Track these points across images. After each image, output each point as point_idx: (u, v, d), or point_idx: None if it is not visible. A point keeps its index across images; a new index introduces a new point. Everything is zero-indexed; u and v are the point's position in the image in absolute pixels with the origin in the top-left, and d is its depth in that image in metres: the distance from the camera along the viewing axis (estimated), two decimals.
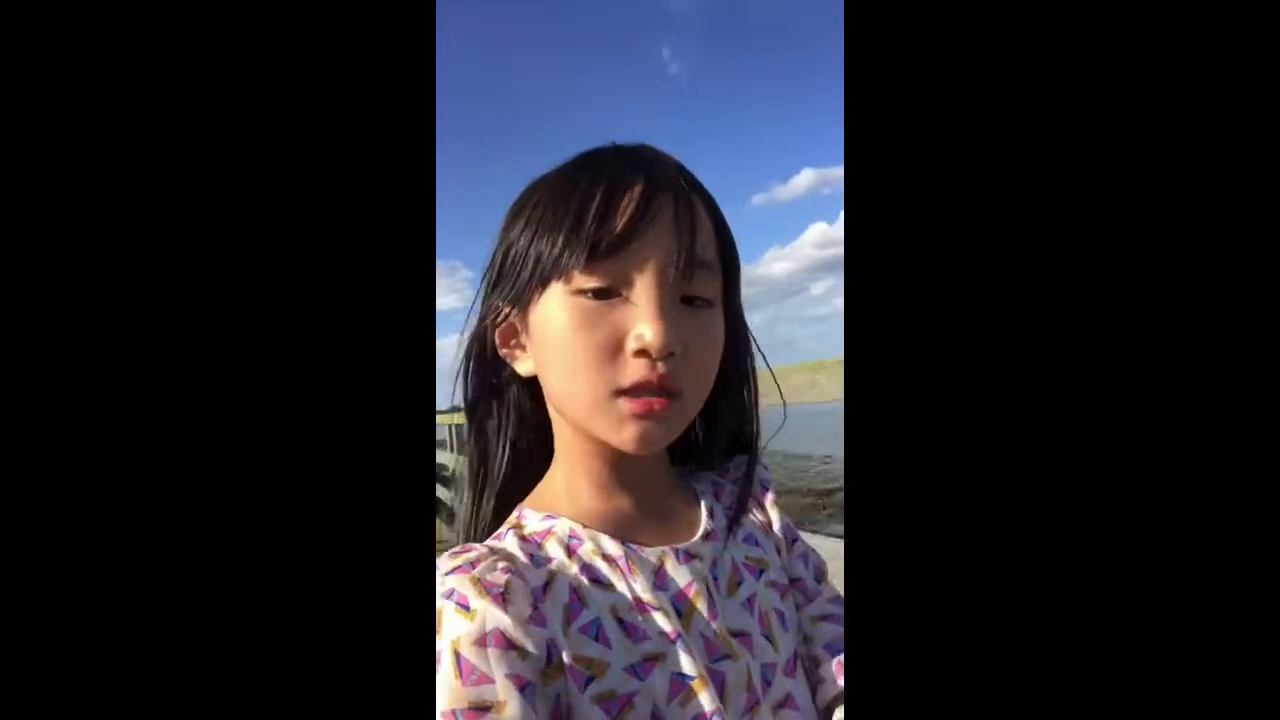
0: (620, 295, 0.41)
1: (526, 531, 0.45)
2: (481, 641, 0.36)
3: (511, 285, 0.45)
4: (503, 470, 0.50)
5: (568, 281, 0.41)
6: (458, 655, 0.35)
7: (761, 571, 0.48)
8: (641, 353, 0.40)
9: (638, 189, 0.42)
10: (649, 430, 0.42)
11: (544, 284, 0.43)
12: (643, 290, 0.41)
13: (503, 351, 0.48)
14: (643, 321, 0.40)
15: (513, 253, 0.45)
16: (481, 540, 0.47)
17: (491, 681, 0.35)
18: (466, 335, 0.50)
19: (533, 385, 0.48)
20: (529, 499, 0.48)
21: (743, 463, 0.54)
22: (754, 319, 0.53)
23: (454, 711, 0.34)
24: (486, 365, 0.50)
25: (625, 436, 0.42)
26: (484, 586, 0.37)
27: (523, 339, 0.47)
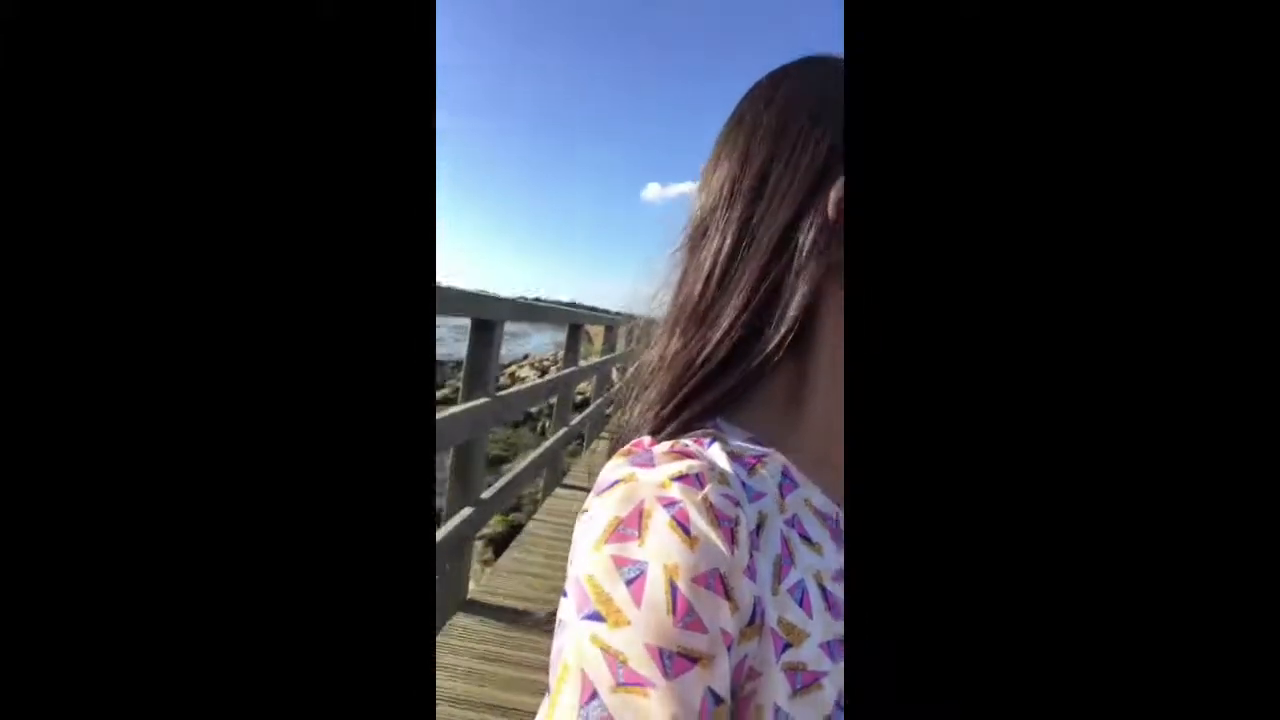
0: None
1: (734, 448, 0.37)
2: (702, 580, 0.30)
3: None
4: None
5: None
6: (674, 586, 0.30)
7: None
8: None
9: None
10: None
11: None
12: None
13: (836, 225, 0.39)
14: None
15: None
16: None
17: (705, 631, 0.30)
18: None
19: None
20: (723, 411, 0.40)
21: None
22: None
23: (661, 651, 0.29)
24: (828, 227, 0.40)
25: None
26: (716, 516, 0.32)
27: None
